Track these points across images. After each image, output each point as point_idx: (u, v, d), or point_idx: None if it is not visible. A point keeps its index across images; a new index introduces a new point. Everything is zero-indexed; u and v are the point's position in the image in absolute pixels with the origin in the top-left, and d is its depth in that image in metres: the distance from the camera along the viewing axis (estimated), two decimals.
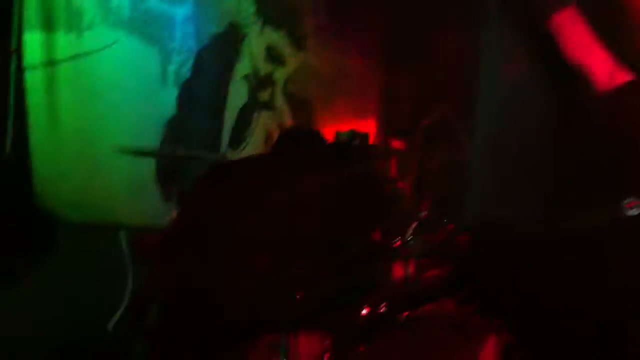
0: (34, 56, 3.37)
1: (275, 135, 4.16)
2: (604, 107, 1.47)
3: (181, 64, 4.21)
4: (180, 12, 4.21)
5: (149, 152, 3.89)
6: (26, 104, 3.31)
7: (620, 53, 1.48)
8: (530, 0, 1.51)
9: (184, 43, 4.23)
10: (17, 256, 2.82)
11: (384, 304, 3.45)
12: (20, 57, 3.21)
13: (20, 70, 3.22)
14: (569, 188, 1.49)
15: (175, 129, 4.09)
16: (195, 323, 3.13)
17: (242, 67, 4.68)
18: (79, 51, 3.58)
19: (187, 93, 4.23)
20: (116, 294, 3.79)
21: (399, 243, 3.62)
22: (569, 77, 1.49)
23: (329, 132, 4.93)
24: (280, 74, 4.99)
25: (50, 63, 3.45)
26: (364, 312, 3.45)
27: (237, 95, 4.65)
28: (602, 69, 1.44)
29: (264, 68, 4.86)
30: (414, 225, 3.43)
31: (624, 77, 1.46)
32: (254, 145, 4.73)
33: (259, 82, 4.82)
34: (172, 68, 4.15)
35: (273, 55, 4.94)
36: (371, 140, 5.19)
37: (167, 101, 4.13)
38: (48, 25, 3.49)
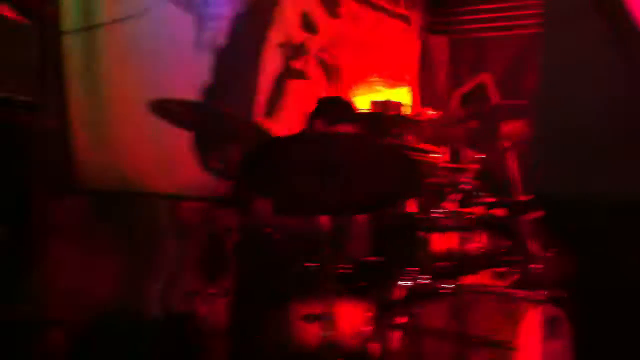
0: (72, 21, 3.32)
1: (309, 105, 4.10)
2: None
3: (216, 30, 4.15)
4: None
5: (187, 121, 3.86)
6: (65, 70, 3.28)
7: None
8: None
9: (219, 9, 4.17)
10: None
11: (425, 275, 3.42)
12: (58, 22, 3.17)
13: (58, 35, 3.18)
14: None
15: (211, 97, 4.04)
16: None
17: (277, 35, 4.62)
18: (116, 17, 3.54)
19: (222, 60, 4.18)
20: (156, 264, 3.78)
21: (437, 214, 3.58)
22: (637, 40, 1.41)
23: (363, 102, 4.88)
24: (314, 43, 4.93)
25: (88, 28, 3.40)
26: (405, 283, 3.41)
27: (272, 63, 4.59)
28: None
29: (298, 36, 4.80)
30: (454, 196, 3.38)
31: None
32: (288, 114, 4.68)
33: (293, 50, 4.76)
34: (207, 35, 4.10)
35: (307, 23, 4.87)
36: (406, 109, 5.12)
37: (203, 68, 4.07)
38: None
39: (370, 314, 3.12)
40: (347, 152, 2.65)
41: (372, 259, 3.46)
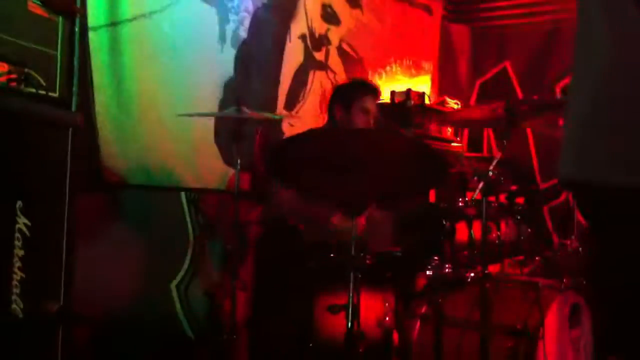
0: (98, 17, 3.36)
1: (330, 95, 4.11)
2: None
3: (239, 23, 4.18)
4: None
5: (209, 113, 3.90)
6: (91, 65, 3.32)
7: None
8: None
9: (242, 2, 4.19)
10: None
11: (448, 264, 3.44)
12: (84, 18, 3.20)
13: (84, 30, 3.21)
14: None
15: (233, 90, 4.07)
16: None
17: (298, 27, 4.64)
18: (141, 12, 3.57)
19: (245, 53, 4.20)
20: (178, 255, 3.82)
21: (461, 203, 3.59)
22: None
23: (384, 92, 4.89)
24: (335, 33, 4.94)
25: (114, 24, 3.44)
26: (428, 272, 3.43)
27: (293, 55, 4.61)
28: None
29: (320, 27, 4.81)
30: (480, 185, 3.38)
31: None
32: (309, 105, 4.70)
33: (315, 42, 4.77)
34: (230, 28, 4.12)
35: (328, 14, 4.88)
36: (427, 99, 5.13)
37: (226, 62, 4.10)
38: None
39: (393, 304, 3.15)
40: (371, 146, 2.65)
41: (396, 249, 3.48)
